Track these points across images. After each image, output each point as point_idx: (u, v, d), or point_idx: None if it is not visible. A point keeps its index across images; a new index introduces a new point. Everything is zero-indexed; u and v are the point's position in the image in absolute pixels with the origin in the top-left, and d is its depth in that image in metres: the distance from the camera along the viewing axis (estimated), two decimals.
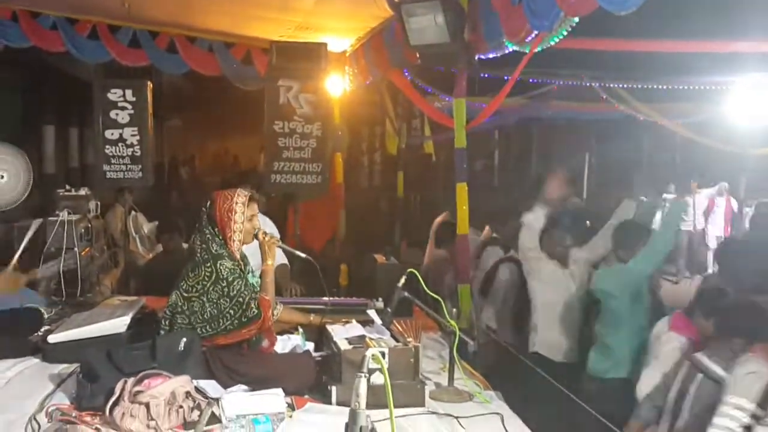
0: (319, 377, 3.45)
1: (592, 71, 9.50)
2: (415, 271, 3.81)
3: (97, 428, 2.89)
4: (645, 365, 4.29)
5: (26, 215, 6.33)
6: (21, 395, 3.33)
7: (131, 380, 3.00)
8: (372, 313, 3.77)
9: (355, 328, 3.64)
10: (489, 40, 4.92)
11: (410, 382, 3.32)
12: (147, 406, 2.91)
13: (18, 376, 3.63)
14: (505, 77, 5.63)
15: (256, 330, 3.54)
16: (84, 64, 9.41)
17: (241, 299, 3.47)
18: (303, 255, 4.05)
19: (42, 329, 4.18)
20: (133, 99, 7.23)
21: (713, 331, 3.85)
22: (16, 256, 5.09)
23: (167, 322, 3.56)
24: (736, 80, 8.52)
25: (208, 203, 3.62)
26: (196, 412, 3.00)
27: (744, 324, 3.67)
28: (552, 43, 4.40)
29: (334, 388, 3.26)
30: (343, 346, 3.37)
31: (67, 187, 6.40)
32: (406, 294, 3.79)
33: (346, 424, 2.15)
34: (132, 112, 7.23)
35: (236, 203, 3.58)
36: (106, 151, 7.22)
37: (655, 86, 9.40)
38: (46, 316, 4.40)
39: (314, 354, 3.70)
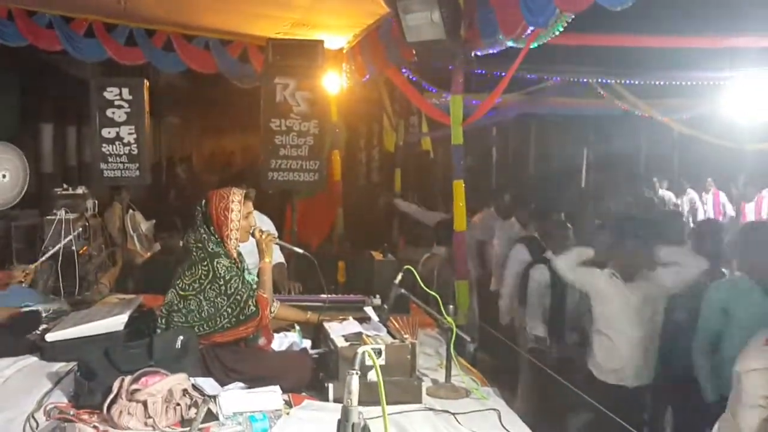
0: (316, 374, 3.46)
1: (589, 67, 9.50)
2: (412, 268, 3.82)
3: (95, 426, 2.91)
4: None
5: (25, 214, 6.34)
6: (19, 393, 3.33)
7: (129, 378, 3.02)
8: (369, 310, 3.79)
9: (352, 325, 3.65)
10: (485, 36, 4.93)
11: (407, 378, 3.33)
12: (144, 403, 2.93)
13: (16, 374, 3.63)
14: (502, 73, 5.63)
15: (254, 328, 3.55)
16: (81, 63, 9.38)
17: (238, 297, 3.48)
18: (301, 251, 4.06)
19: (40, 328, 4.19)
20: (130, 97, 7.21)
21: None
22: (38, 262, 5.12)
23: (164, 321, 3.57)
24: (733, 75, 8.53)
25: (204, 202, 3.63)
26: (194, 410, 3.01)
27: None
28: (547, 39, 4.41)
29: (330, 386, 3.27)
30: (340, 343, 3.37)
31: (65, 185, 6.41)
32: (403, 291, 3.81)
33: (339, 421, 2.16)
34: (129, 110, 7.21)
35: (232, 201, 3.60)
36: (103, 149, 7.20)
37: (651, 82, 9.41)
38: (44, 314, 4.40)
39: (311, 351, 3.72)
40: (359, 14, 6.83)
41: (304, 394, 3.37)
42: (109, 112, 7.17)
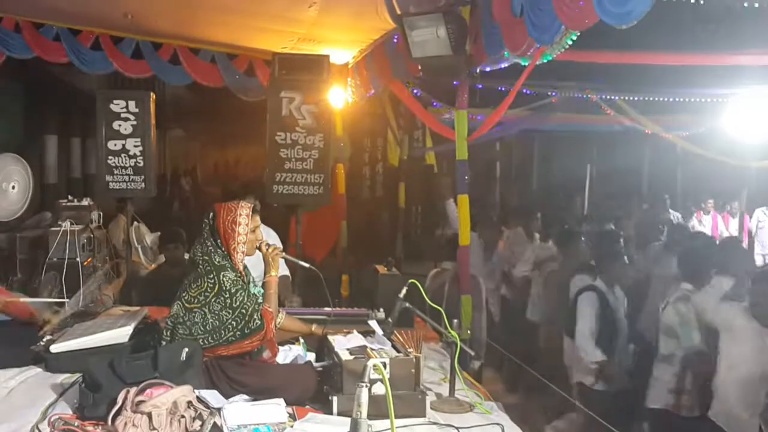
0: (320, 387, 3.46)
1: (593, 83, 9.53)
2: (417, 282, 3.82)
3: None
4: None
5: (29, 225, 6.37)
6: (24, 405, 3.33)
7: (133, 390, 3.01)
8: (373, 324, 3.78)
9: (356, 339, 3.65)
10: (490, 52, 4.95)
11: (411, 392, 3.32)
12: (149, 415, 2.92)
13: (21, 385, 3.63)
14: (505, 88, 5.65)
15: (259, 342, 3.54)
16: (87, 75, 9.44)
17: (243, 311, 3.48)
18: (306, 265, 4.07)
19: (44, 339, 4.19)
20: (136, 110, 7.24)
21: None
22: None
23: (168, 333, 3.57)
24: (737, 92, 8.54)
25: (211, 215, 3.63)
26: (198, 422, 3.01)
27: None
28: (553, 56, 4.43)
29: (335, 399, 3.26)
30: (344, 356, 3.37)
31: (70, 197, 6.44)
32: (407, 305, 3.81)
33: None
34: (135, 123, 7.23)
35: (240, 215, 3.60)
36: (109, 161, 7.22)
37: (655, 98, 9.44)
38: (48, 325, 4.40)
39: (315, 364, 3.71)
40: (365, 30, 6.88)
41: (308, 406, 3.36)
42: (115, 125, 7.20)
